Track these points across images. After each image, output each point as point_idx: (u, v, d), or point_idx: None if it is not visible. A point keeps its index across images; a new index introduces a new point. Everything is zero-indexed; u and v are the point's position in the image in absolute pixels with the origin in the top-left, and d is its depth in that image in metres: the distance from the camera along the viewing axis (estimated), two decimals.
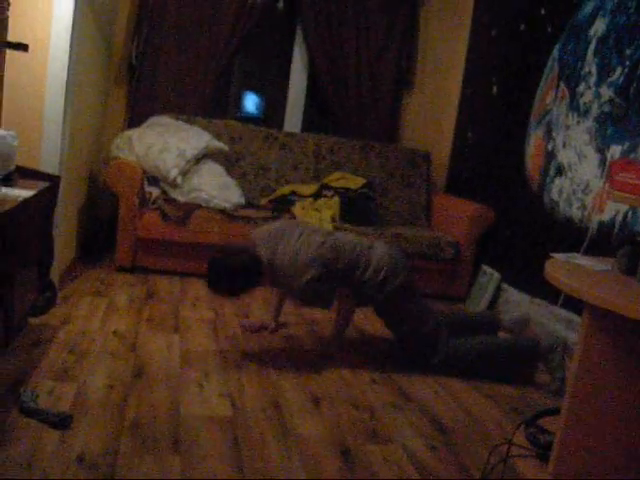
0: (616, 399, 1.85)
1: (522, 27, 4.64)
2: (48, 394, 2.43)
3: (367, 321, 3.93)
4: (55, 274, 3.45)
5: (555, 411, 2.22)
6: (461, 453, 2.42)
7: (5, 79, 3.09)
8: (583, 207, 3.78)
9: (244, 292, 3.07)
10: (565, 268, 1.97)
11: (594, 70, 3.79)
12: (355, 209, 4.69)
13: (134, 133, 4.50)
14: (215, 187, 4.41)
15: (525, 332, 3.62)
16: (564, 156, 4.00)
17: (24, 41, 2.95)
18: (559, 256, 2.19)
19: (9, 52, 2.98)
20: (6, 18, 2.79)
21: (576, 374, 1.80)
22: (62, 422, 2.21)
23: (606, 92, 3.67)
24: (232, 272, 2.99)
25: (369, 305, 3.28)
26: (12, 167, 2.72)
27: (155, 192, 4.37)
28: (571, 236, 3.85)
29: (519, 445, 2.01)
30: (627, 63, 3.54)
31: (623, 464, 1.91)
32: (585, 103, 3.84)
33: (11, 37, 3.02)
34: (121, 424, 2.30)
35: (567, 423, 1.81)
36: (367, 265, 3.15)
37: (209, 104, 5.15)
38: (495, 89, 4.94)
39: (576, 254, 2.29)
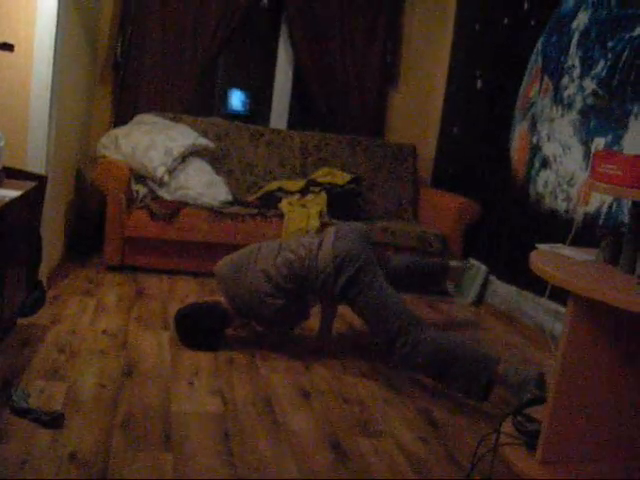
0: (601, 387, 1.88)
1: (505, 21, 4.67)
2: (39, 393, 2.43)
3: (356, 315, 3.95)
4: (43, 274, 3.46)
5: (542, 400, 2.25)
6: (451, 444, 2.45)
7: None
8: (568, 199, 3.82)
9: (216, 344, 3.15)
10: (549, 258, 2.00)
11: (577, 63, 3.83)
12: (342, 204, 4.71)
13: (120, 132, 4.49)
14: (202, 185, 4.42)
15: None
16: (549, 149, 4.04)
17: (8, 41, 2.95)
18: (543, 247, 2.21)
19: None
20: None
21: (561, 363, 1.83)
22: (54, 421, 2.22)
23: (589, 85, 3.71)
24: (198, 332, 3.11)
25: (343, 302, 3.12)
26: None
27: (142, 190, 4.37)
28: (557, 228, 3.88)
29: (507, 434, 2.03)
30: (609, 56, 3.57)
31: (609, 450, 1.95)
32: (569, 96, 3.88)
33: None
34: (113, 422, 2.31)
35: (553, 411, 1.84)
36: (317, 269, 2.99)
37: (195, 101, 5.16)
38: (479, 83, 4.97)
39: (561, 245, 2.31)
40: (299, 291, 3.05)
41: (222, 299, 3.17)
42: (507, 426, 2.06)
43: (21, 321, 3.11)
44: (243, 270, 3.10)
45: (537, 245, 2.25)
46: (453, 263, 3.89)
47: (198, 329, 3.09)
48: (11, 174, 2.91)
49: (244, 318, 3.20)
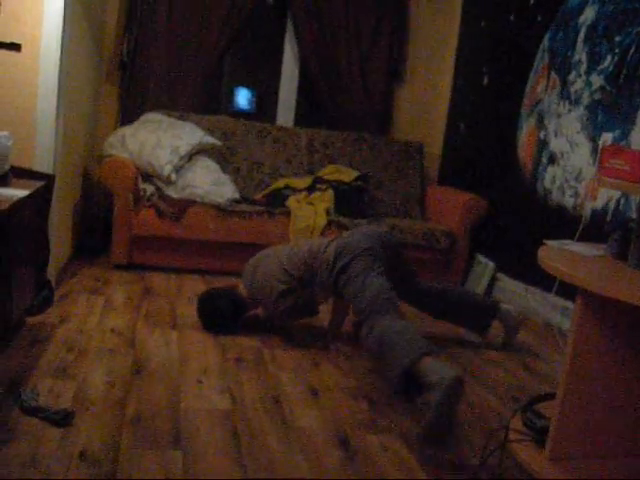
0: (610, 383, 1.88)
1: (512, 17, 4.66)
2: (48, 392, 2.44)
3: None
4: (52, 273, 3.47)
5: (551, 396, 2.25)
6: (460, 441, 2.45)
7: None
8: (576, 195, 3.81)
9: (233, 327, 3.36)
10: (557, 254, 2.00)
11: (584, 58, 3.81)
12: (349, 201, 4.71)
13: (127, 131, 4.50)
14: (209, 183, 4.42)
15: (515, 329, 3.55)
16: (556, 144, 4.03)
17: (15, 41, 2.95)
18: (552, 243, 2.21)
19: (1, 52, 2.98)
20: None
21: (570, 359, 1.82)
22: (64, 419, 2.22)
23: (596, 80, 3.70)
24: (216, 315, 3.32)
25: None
26: (7, 167, 2.73)
27: (149, 189, 4.37)
28: (564, 224, 3.87)
29: (516, 430, 2.03)
30: (617, 50, 3.56)
31: (617, 446, 1.94)
32: (576, 91, 3.87)
33: (1, 37, 3.03)
34: (122, 420, 2.31)
35: (562, 407, 1.83)
36: (323, 260, 3.11)
37: (201, 100, 5.16)
38: (486, 79, 4.96)
39: (569, 240, 2.31)
40: (307, 280, 3.16)
41: (240, 285, 3.41)
42: (516, 422, 2.05)
43: (30, 320, 3.12)
44: (262, 261, 3.32)
45: (545, 241, 2.24)
46: (504, 307, 3.53)
47: (216, 313, 3.31)
48: (19, 173, 2.92)
49: (260, 307, 3.40)
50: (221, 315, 3.31)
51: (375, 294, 2.85)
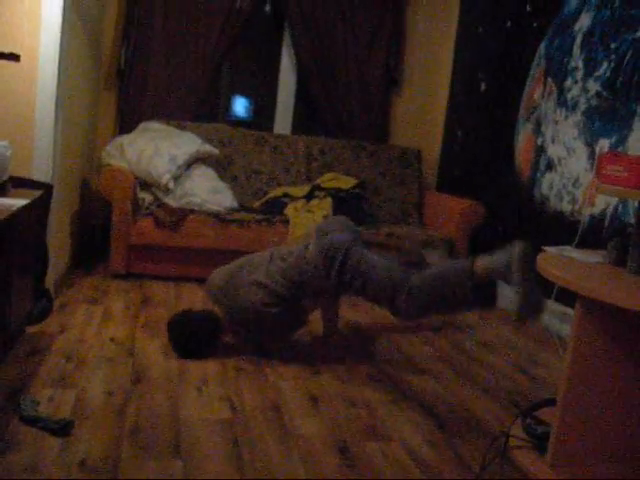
0: (610, 388, 1.88)
1: (508, 24, 4.68)
2: (48, 401, 2.44)
3: (363, 318, 3.95)
4: (50, 282, 3.46)
5: (551, 402, 2.25)
6: (460, 448, 2.44)
7: None
8: (574, 201, 3.81)
9: (206, 352, 3.11)
10: (557, 260, 2.00)
11: (580, 65, 3.83)
12: (347, 209, 4.71)
13: (125, 139, 4.51)
14: (207, 191, 4.43)
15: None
16: (553, 151, 4.04)
17: (13, 50, 2.96)
18: (551, 249, 2.21)
19: None
20: None
21: (570, 364, 1.82)
22: (63, 429, 2.22)
23: (593, 86, 3.71)
24: (190, 339, 3.07)
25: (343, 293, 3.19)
26: (5, 177, 2.73)
27: (148, 198, 4.38)
28: (562, 230, 3.88)
29: (516, 437, 2.03)
30: (613, 57, 3.57)
31: (618, 452, 1.94)
32: (572, 98, 3.88)
33: (0, 47, 3.03)
34: (122, 429, 2.31)
35: (563, 413, 1.83)
36: (309, 270, 3.02)
37: (199, 108, 5.17)
38: (483, 86, 4.98)
39: (568, 247, 2.31)
40: (295, 296, 3.05)
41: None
42: (516, 429, 2.05)
43: (29, 330, 3.12)
44: (235, 283, 3.10)
45: (544, 248, 2.24)
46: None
47: (189, 336, 3.07)
48: (17, 183, 2.92)
49: (240, 329, 3.22)
50: (196, 340, 3.07)
51: (385, 270, 2.88)
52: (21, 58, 3.05)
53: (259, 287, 3.03)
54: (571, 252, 2.18)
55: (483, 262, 2.66)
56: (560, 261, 2.00)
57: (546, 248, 2.24)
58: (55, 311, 3.43)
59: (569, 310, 3.69)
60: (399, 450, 2.38)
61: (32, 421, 2.25)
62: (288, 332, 3.28)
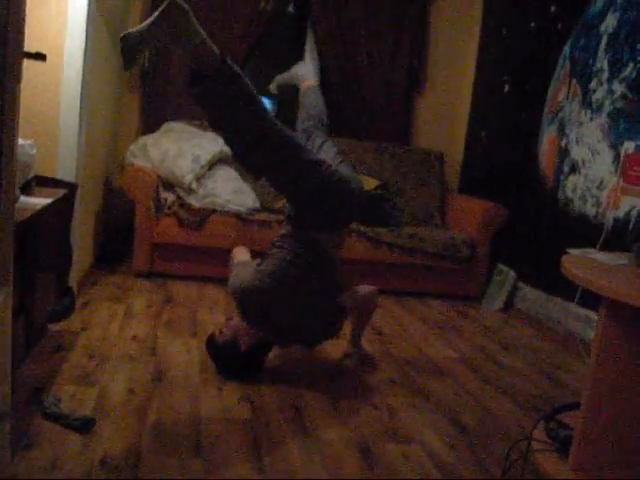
0: (635, 392, 1.85)
1: (532, 25, 4.64)
2: (70, 399, 2.45)
3: (384, 321, 3.94)
4: (73, 280, 3.49)
5: (574, 406, 2.22)
6: (481, 451, 2.43)
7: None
8: (598, 203, 3.77)
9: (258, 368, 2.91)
10: (581, 263, 1.98)
11: (606, 66, 3.79)
12: (369, 210, 4.68)
13: (149, 139, 4.53)
14: (230, 191, 4.44)
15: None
16: (578, 153, 4.00)
17: (39, 50, 2.98)
18: (575, 251, 2.19)
19: (24, 61, 3.01)
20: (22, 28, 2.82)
21: (594, 368, 1.80)
22: (84, 426, 2.23)
23: (618, 88, 3.67)
24: (236, 366, 2.85)
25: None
26: (30, 176, 2.76)
27: (170, 198, 4.40)
28: (586, 233, 3.84)
29: (539, 440, 2.01)
30: (639, 58, 3.53)
31: None
32: (597, 99, 3.84)
33: (26, 46, 3.06)
34: (143, 427, 2.32)
35: (586, 417, 1.81)
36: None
37: None
38: (507, 87, 4.94)
39: (592, 249, 2.29)
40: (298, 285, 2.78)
41: (235, 318, 2.88)
42: (538, 433, 2.03)
43: (52, 327, 3.14)
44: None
45: (568, 250, 2.22)
46: None
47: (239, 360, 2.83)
48: (42, 182, 2.95)
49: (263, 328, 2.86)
50: (240, 366, 2.86)
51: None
52: (47, 58, 3.07)
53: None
54: (595, 254, 2.16)
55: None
56: (583, 263, 1.98)
57: (570, 250, 2.21)
58: (78, 309, 3.46)
59: (592, 313, 3.65)
60: (420, 453, 2.37)
61: (54, 418, 2.26)
62: (324, 334, 2.94)
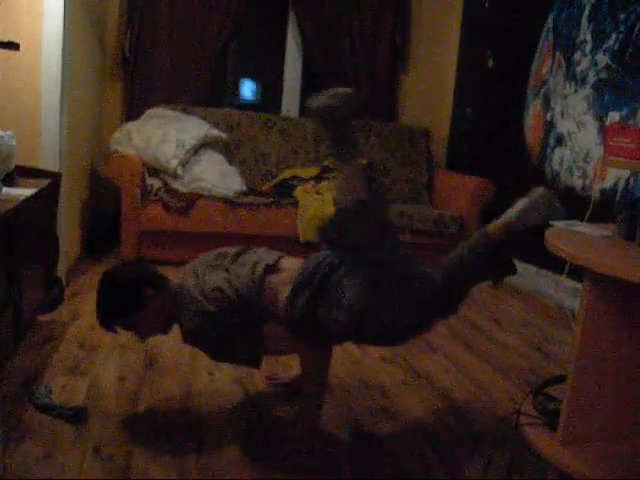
0: (621, 364, 1.86)
1: None
2: (61, 389, 2.45)
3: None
4: (61, 271, 3.48)
5: (562, 379, 2.23)
6: (473, 426, 2.44)
7: None
8: (584, 175, 3.78)
9: (131, 313, 2.27)
10: (564, 235, 1.98)
11: (589, 37, 3.77)
12: None
13: (133, 126, 4.50)
14: (216, 176, 4.42)
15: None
16: (563, 125, 3.99)
17: (15, 39, 2.95)
18: (559, 224, 2.19)
19: (2, 51, 2.98)
20: None
21: (579, 340, 1.81)
22: (77, 416, 2.23)
23: (602, 59, 3.66)
24: (120, 286, 2.28)
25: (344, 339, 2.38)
26: (12, 167, 2.74)
27: (156, 184, 4.38)
28: (574, 205, 3.84)
29: (528, 414, 2.02)
30: (622, 28, 3.52)
31: (630, 428, 1.93)
32: (581, 71, 3.83)
33: (1, 35, 3.02)
34: (135, 415, 2.32)
35: (573, 390, 1.82)
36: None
37: (205, 93, 5.15)
38: (491, 62, 4.92)
39: (576, 221, 2.29)
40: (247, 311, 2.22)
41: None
42: (528, 406, 2.04)
43: (41, 318, 3.14)
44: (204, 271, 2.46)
45: (552, 222, 2.22)
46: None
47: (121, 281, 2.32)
48: (25, 173, 2.93)
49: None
50: (123, 288, 2.29)
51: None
52: (24, 46, 3.03)
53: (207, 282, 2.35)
54: (579, 226, 2.16)
55: (502, 225, 2.41)
56: (567, 235, 1.98)
57: (553, 222, 2.21)
58: (67, 299, 3.45)
59: (580, 286, 3.66)
60: (412, 430, 2.38)
61: (46, 409, 2.26)
62: (230, 351, 2.31)
